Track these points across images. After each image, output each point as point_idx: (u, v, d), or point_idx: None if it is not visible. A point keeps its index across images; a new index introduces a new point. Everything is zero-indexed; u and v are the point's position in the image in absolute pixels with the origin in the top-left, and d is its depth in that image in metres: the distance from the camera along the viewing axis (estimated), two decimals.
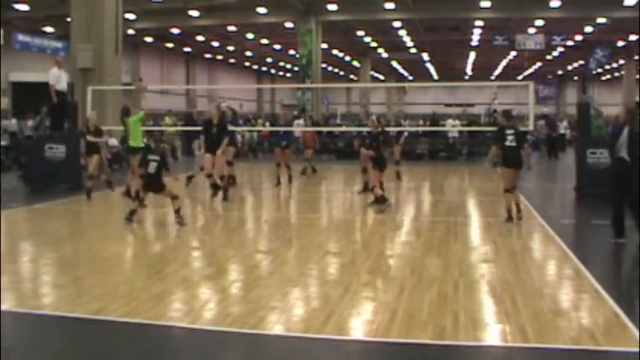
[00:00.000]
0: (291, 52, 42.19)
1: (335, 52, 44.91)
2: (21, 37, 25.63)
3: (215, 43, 42.34)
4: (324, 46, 36.52)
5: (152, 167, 9.93)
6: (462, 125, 26.63)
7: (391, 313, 5.47)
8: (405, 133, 19.12)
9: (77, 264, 7.62)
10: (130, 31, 31.64)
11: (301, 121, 25.98)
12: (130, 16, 28.10)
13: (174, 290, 6.36)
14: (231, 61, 53.03)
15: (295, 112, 29.89)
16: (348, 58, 49.13)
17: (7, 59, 27.31)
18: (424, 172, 19.88)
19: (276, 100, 65.56)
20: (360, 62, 48.00)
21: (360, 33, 38.34)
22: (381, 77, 60.06)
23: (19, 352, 4.74)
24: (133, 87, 25.00)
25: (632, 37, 34.80)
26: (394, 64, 53.43)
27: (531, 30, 33.26)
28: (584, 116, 14.03)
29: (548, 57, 45.01)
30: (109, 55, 18.59)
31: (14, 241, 9.02)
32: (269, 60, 53.12)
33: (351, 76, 58.57)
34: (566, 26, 32.39)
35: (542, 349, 4.74)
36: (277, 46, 42.46)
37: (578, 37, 35.49)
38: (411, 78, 62.36)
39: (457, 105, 54.34)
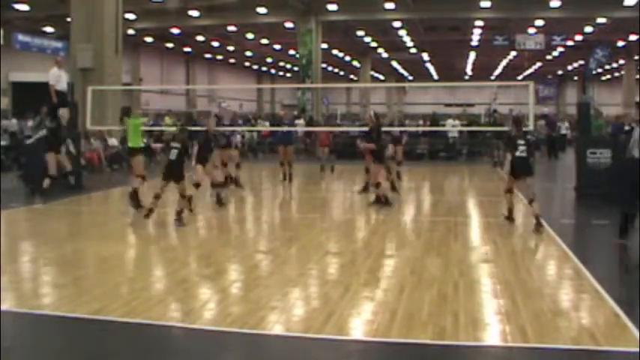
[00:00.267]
0: (291, 52, 42.18)
1: (335, 52, 44.90)
2: (21, 37, 25.62)
3: (215, 43, 42.33)
4: (324, 46, 36.51)
5: (173, 154, 9.94)
6: (462, 125, 26.61)
7: (391, 313, 5.47)
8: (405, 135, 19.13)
9: (77, 264, 7.62)
10: (130, 31, 31.62)
11: (302, 121, 26.05)
12: (130, 16, 28.09)
13: (174, 290, 6.37)
14: (231, 61, 53.01)
15: (295, 112, 29.96)
16: (348, 58, 49.12)
17: (7, 59, 27.31)
18: (424, 172, 19.88)
19: (276, 100, 65.55)
20: (360, 62, 47.99)
21: (360, 33, 38.32)
22: (381, 77, 60.05)
23: (19, 352, 4.74)
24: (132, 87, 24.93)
25: (632, 37, 34.78)
26: (394, 64, 53.41)
27: (531, 30, 33.25)
28: (584, 116, 14.03)
29: (548, 57, 45.00)
30: (109, 55, 18.59)
31: (14, 241, 9.02)
32: (269, 60, 53.10)
33: (351, 76, 58.55)
34: (566, 26, 32.38)
35: (542, 349, 4.75)
36: (277, 46, 42.45)
37: (578, 37, 35.48)
38: (411, 78, 62.34)
39: (457, 105, 54.31)
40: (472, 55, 46.42)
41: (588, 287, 6.34)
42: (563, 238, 8.83)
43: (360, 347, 4.92)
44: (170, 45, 43.08)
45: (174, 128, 13.75)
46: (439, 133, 25.86)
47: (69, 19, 19.74)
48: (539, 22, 32.04)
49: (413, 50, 43.08)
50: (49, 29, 31.12)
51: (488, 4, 28.53)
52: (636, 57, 41.87)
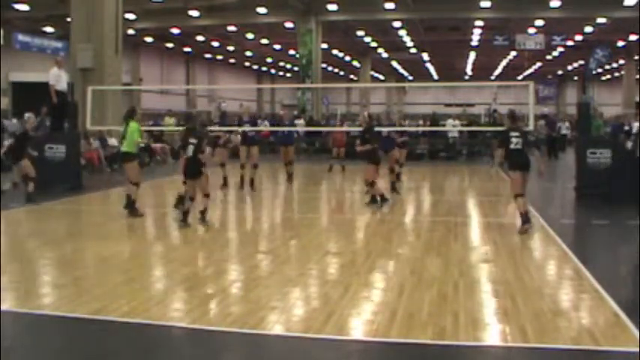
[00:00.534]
0: (291, 52, 42.17)
1: (335, 52, 44.89)
2: (21, 37, 25.63)
3: (215, 43, 42.32)
4: (324, 46, 36.51)
5: (190, 150, 9.75)
6: (462, 125, 26.60)
7: (391, 313, 5.47)
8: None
9: (77, 264, 7.62)
10: (130, 31, 31.61)
11: (302, 121, 26.07)
12: (130, 16, 28.08)
13: (174, 290, 6.37)
14: (231, 61, 53.01)
15: (295, 112, 29.97)
16: (348, 58, 49.11)
17: (7, 59, 27.31)
18: (424, 172, 19.87)
19: (276, 100, 65.55)
20: (360, 62, 47.99)
21: (360, 33, 38.32)
22: (381, 77, 60.04)
23: (19, 352, 4.74)
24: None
25: (632, 37, 34.77)
26: (394, 64, 53.40)
27: (531, 30, 33.24)
28: (584, 116, 14.02)
29: (548, 57, 44.99)
30: (109, 55, 18.58)
31: (14, 241, 9.02)
32: (269, 60, 53.09)
33: (351, 76, 58.54)
34: (566, 26, 32.38)
35: (542, 349, 4.74)
36: (277, 46, 42.44)
37: (578, 37, 35.47)
38: (411, 78, 62.32)
39: (457, 105, 54.29)
40: (472, 55, 46.42)
41: (588, 287, 6.34)
42: (563, 238, 8.83)
43: (360, 347, 4.92)
44: (170, 45, 43.07)
45: (174, 128, 13.69)
46: (439, 133, 25.86)
47: (69, 19, 19.73)
48: (539, 22, 32.04)
49: (413, 50, 43.08)
50: (49, 29, 31.12)
51: (488, 4, 28.53)
52: (636, 57, 41.86)
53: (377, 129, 13.48)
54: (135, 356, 4.78)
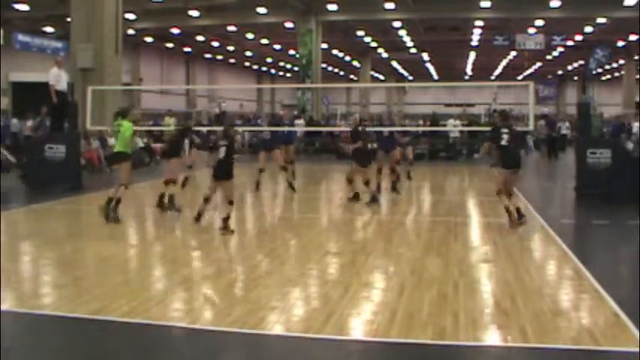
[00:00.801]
0: (291, 52, 42.18)
1: (335, 52, 44.90)
2: (21, 37, 25.63)
3: (215, 43, 42.33)
4: (324, 46, 36.51)
5: (222, 152, 9.43)
6: (462, 125, 26.60)
7: (391, 313, 5.47)
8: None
9: (77, 264, 7.62)
10: (130, 31, 31.63)
11: (301, 121, 26.05)
12: (130, 16, 28.09)
13: (174, 290, 6.37)
14: (231, 61, 53.02)
15: (295, 112, 29.95)
16: (348, 58, 49.12)
17: (7, 59, 27.32)
18: (424, 172, 19.86)
19: (276, 100, 65.54)
20: (360, 62, 47.99)
21: (360, 33, 38.32)
22: (381, 77, 60.04)
23: (19, 352, 4.74)
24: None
25: (632, 37, 34.77)
26: (394, 64, 53.41)
27: (531, 30, 33.25)
28: (584, 116, 14.02)
29: (548, 57, 45.00)
30: (109, 55, 18.59)
31: (14, 241, 9.01)
32: (269, 60, 53.11)
33: (351, 76, 58.55)
34: (566, 26, 32.38)
35: (542, 349, 4.75)
36: (277, 46, 42.45)
37: (578, 37, 35.47)
38: (411, 78, 62.34)
39: (457, 105, 54.32)
40: (472, 55, 46.43)
41: (588, 287, 6.34)
42: (563, 238, 8.83)
43: (360, 347, 4.92)
44: (170, 45, 43.09)
45: (174, 128, 13.66)
46: (439, 133, 25.87)
47: (69, 19, 19.74)
48: (539, 22, 32.04)
49: (413, 50, 43.08)
50: (49, 29, 31.13)
51: (488, 4, 28.53)
52: (636, 57, 41.87)
53: (377, 129, 13.70)
54: (135, 356, 4.78)
